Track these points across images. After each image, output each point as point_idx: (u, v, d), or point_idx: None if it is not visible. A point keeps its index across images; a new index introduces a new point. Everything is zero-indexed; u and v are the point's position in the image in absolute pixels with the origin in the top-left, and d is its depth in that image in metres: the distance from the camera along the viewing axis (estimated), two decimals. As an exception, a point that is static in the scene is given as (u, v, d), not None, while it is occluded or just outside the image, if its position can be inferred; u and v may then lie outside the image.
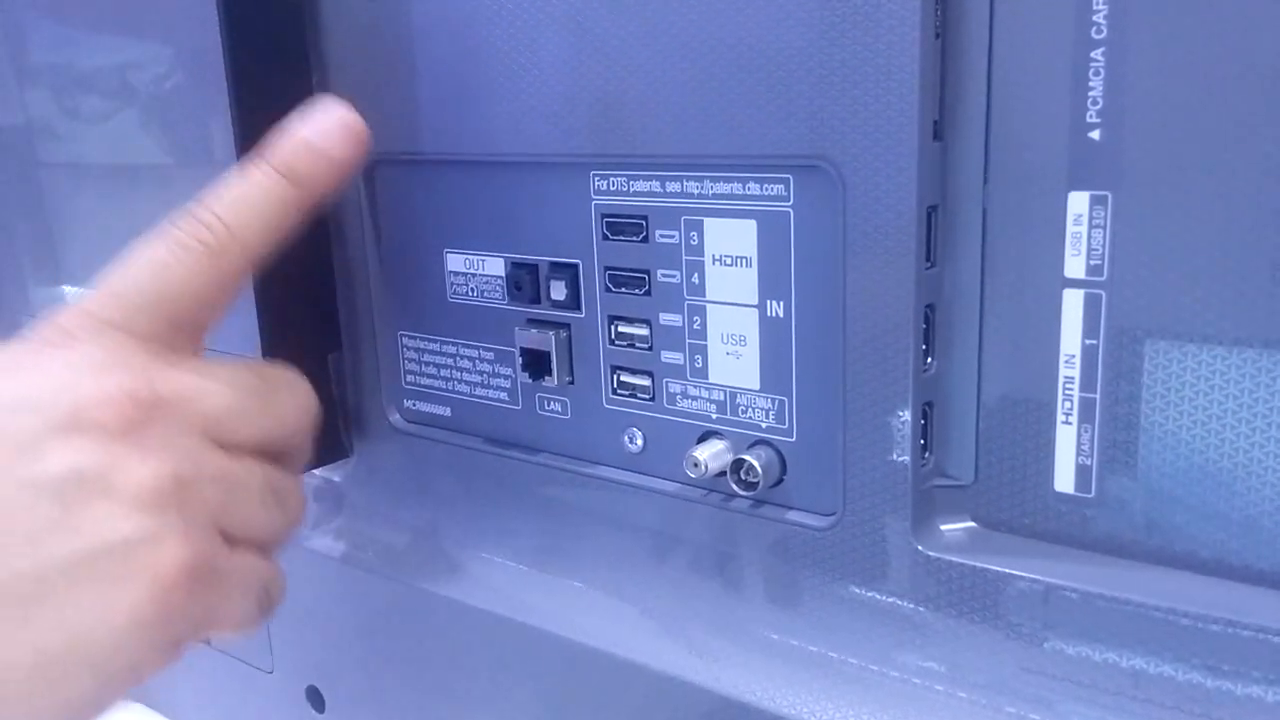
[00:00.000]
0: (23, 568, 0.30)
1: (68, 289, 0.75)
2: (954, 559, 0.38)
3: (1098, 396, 0.35)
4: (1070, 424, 0.36)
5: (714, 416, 0.43)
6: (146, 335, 0.35)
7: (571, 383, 0.47)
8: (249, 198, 0.37)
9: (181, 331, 0.36)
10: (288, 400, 0.37)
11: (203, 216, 0.36)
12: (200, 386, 0.34)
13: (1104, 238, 0.34)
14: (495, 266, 0.48)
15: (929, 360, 0.38)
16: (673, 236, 0.42)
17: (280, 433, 0.36)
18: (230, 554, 0.34)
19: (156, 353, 0.34)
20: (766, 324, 0.41)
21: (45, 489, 0.30)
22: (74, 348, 0.33)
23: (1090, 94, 0.33)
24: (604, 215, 0.44)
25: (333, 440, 0.55)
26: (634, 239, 0.43)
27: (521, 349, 0.47)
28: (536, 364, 0.47)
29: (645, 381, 0.45)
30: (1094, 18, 0.32)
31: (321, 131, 0.38)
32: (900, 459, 0.38)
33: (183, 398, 0.34)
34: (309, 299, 0.53)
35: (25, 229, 0.76)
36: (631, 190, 0.43)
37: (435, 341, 0.52)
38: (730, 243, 0.40)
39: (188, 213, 0.36)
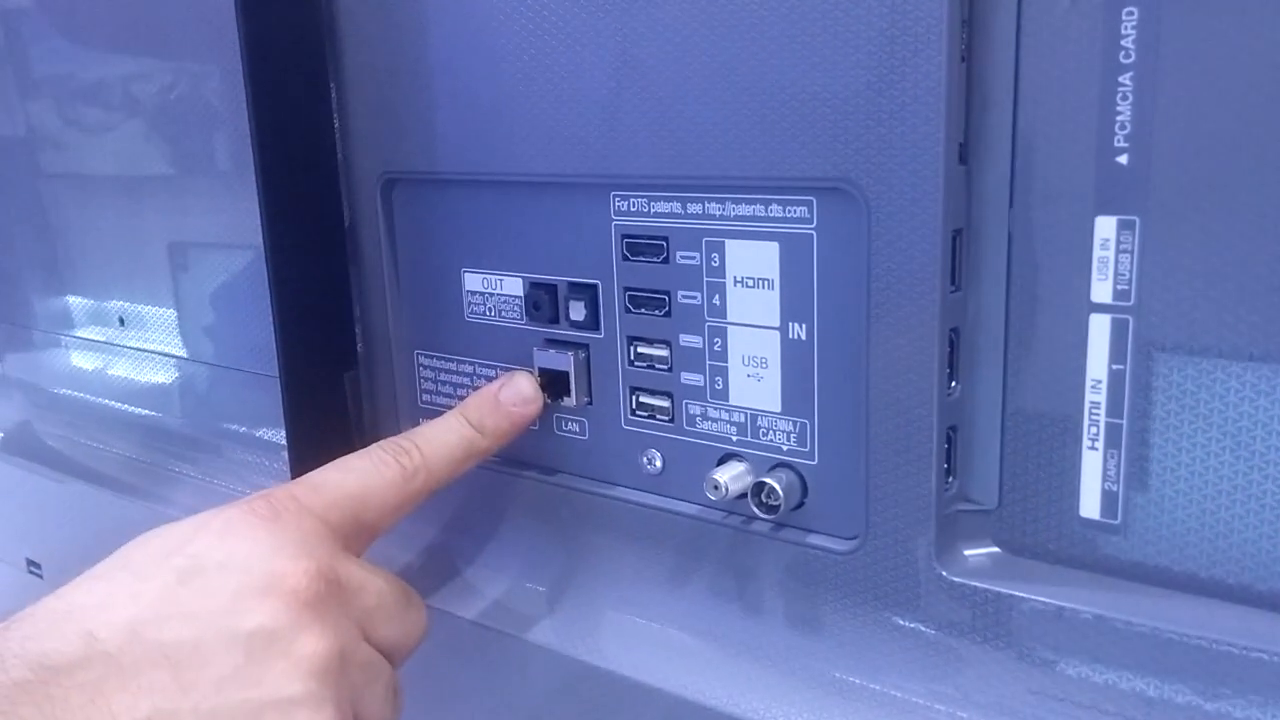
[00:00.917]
0: (204, 708, 0.33)
1: (71, 299, 0.75)
2: (977, 584, 0.38)
3: (1124, 422, 0.35)
4: (1096, 449, 0.36)
5: (734, 438, 0.43)
6: (336, 527, 0.40)
7: (590, 403, 0.47)
8: (445, 437, 0.44)
9: (362, 532, 0.41)
10: (415, 616, 0.42)
11: (405, 444, 0.43)
12: (367, 583, 0.39)
13: (1131, 262, 0.33)
14: (514, 286, 0.48)
15: (953, 384, 0.37)
16: (694, 258, 0.42)
17: (405, 640, 0.41)
18: None
19: (340, 544, 0.39)
20: (788, 346, 0.40)
21: (239, 639, 0.34)
22: (278, 523, 0.38)
23: (1118, 118, 0.32)
24: (624, 236, 0.43)
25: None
26: (654, 260, 0.43)
27: (540, 369, 0.47)
28: (555, 384, 0.47)
29: (665, 403, 0.44)
30: (1123, 42, 0.32)
31: (509, 396, 0.46)
32: (925, 483, 0.37)
33: (355, 588, 0.38)
34: (326, 317, 0.53)
35: (28, 240, 0.76)
36: (652, 211, 0.42)
37: (452, 361, 0.51)
38: (752, 264, 0.40)
39: (395, 439, 0.44)
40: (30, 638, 0.33)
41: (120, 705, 0.32)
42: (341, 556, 0.39)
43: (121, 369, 0.73)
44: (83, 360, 0.77)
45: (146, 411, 0.72)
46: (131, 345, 0.71)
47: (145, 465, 0.71)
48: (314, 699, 0.35)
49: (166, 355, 0.69)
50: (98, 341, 0.74)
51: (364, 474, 0.42)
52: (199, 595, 0.35)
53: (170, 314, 0.67)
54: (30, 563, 0.81)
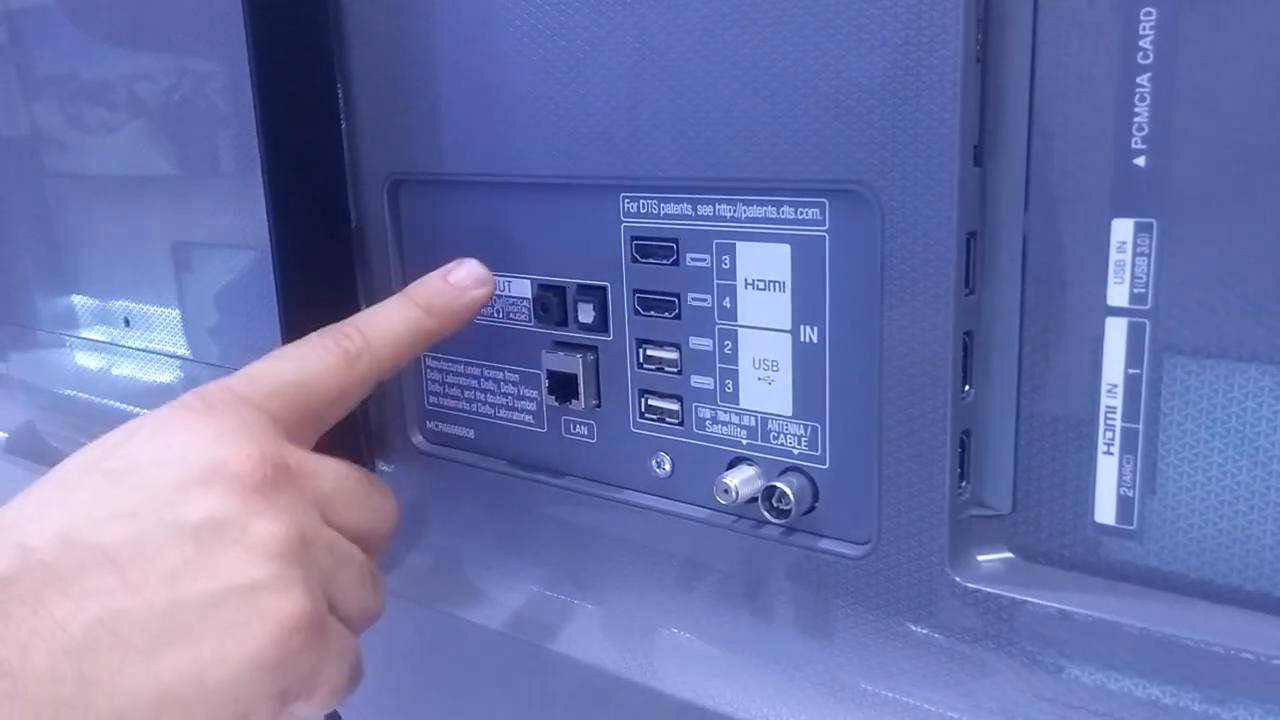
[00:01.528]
0: (157, 604, 0.31)
1: (76, 299, 0.74)
2: (991, 590, 0.37)
3: (1141, 426, 0.34)
4: (1112, 454, 0.35)
5: (745, 442, 0.42)
6: (279, 417, 0.37)
7: (598, 406, 0.46)
8: (388, 319, 0.41)
9: (307, 421, 0.39)
10: (381, 501, 0.40)
11: (346, 328, 0.41)
12: (321, 467, 0.37)
13: (1148, 265, 0.33)
14: (522, 288, 0.47)
15: (967, 388, 0.37)
16: (704, 260, 0.41)
17: (374, 526, 0.39)
18: (334, 620, 0.36)
19: (285, 434, 0.37)
20: (800, 349, 0.40)
21: (185, 531, 0.32)
22: (214, 415, 0.36)
23: (1136, 119, 0.32)
24: (634, 238, 0.43)
25: (354, 462, 0.54)
26: (664, 262, 0.43)
27: (548, 371, 0.47)
28: (563, 387, 0.46)
29: (674, 406, 0.44)
30: (1141, 42, 0.32)
31: (457, 276, 0.43)
32: (938, 488, 0.37)
33: (306, 472, 0.36)
34: (332, 317, 0.52)
35: (32, 239, 0.76)
36: (662, 213, 0.42)
37: (459, 363, 0.51)
38: (763, 267, 0.40)
39: (335, 325, 0.41)
40: None
41: (64, 612, 0.30)
42: (287, 445, 0.36)
43: (126, 370, 0.73)
44: (88, 361, 0.76)
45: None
46: (136, 346, 0.71)
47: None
48: (278, 580, 0.33)
49: (171, 356, 0.68)
50: (101, 342, 0.74)
51: (303, 361, 0.39)
52: (135, 492, 0.33)
53: (175, 315, 0.67)
54: (35, 564, 0.81)
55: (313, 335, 0.40)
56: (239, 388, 0.37)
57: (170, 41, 0.60)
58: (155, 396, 0.71)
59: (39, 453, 0.79)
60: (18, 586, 0.30)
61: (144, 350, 0.70)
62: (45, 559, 0.31)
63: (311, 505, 0.36)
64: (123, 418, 0.72)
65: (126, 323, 0.71)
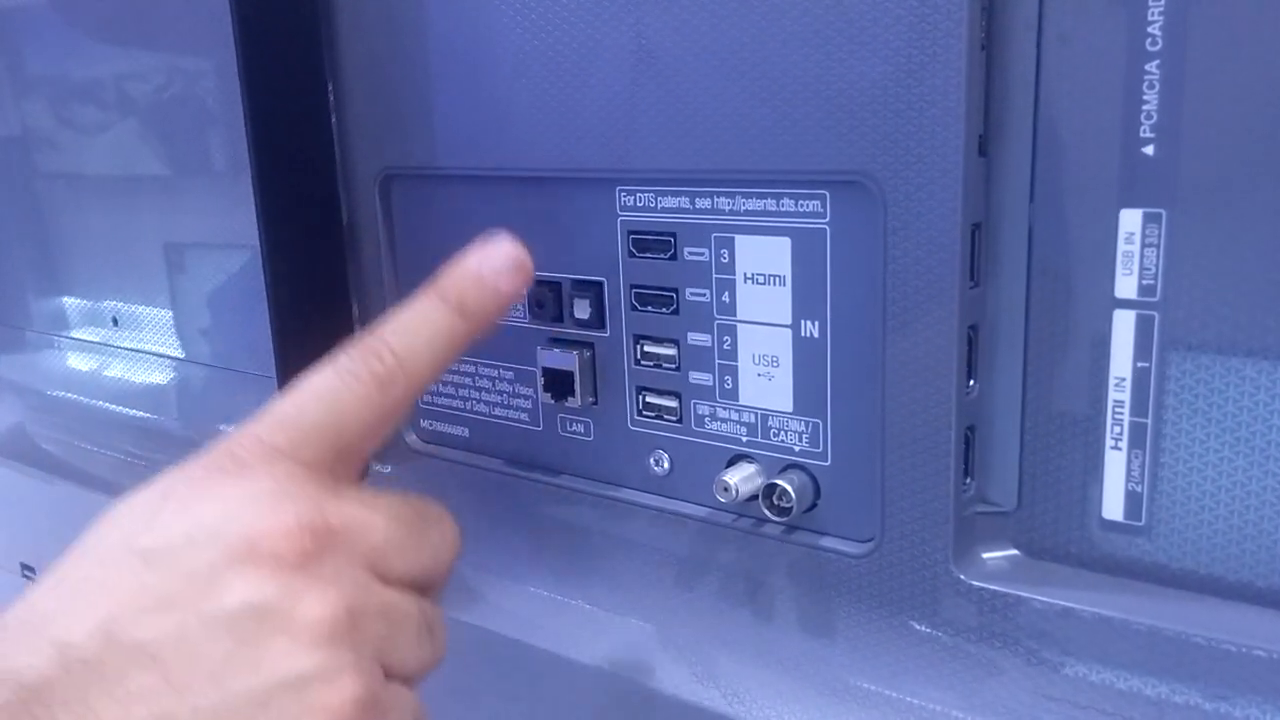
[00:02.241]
0: (203, 706, 0.30)
1: (67, 300, 0.74)
2: (996, 588, 0.37)
3: (1149, 421, 0.34)
4: (1120, 449, 0.35)
5: (744, 439, 0.42)
6: (314, 463, 0.34)
7: (595, 403, 0.46)
8: (418, 328, 0.36)
9: (346, 459, 0.36)
10: (438, 536, 0.37)
11: (374, 347, 0.36)
12: (366, 518, 0.34)
13: (1157, 257, 0.32)
14: (516, 284, 0.47)
15: (971, 383, 0.36)
16: (702, 254, 0.41)
17: (432, 567, 0.36)
18: (390, 686, 0.34)
19: (323, 481, 0.34)
20: (800, 344, 0.39)
21: (224, 623, 0.30)
22: (246, 476, 0.33)
23: (1144, 107, 0.31)
24: (630, 232, 0.42)
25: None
26: (661, 256, 0.42)
27: (543, 368, 0.46)
28: (559, 384, 0.46)
29: (672, 403, 0.43)
30: (1149, 29, 0.31)
31: (491, 266, 0.37)
32: (942, 485, 0.36)
33: (351, 529, 0.33)
34: (324, 316, 0.51)
35: (24, 240, 0.75)
36: (659, 206, 0.41)
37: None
38: (763, 261, 0.39)
39: (359, 342, 0.36)
40: (2, 655, 0.29)
41: (108, 713, 0.29)
42: (328, 497, 0.33)
43: (116, 370, 0.72)
44: (77, 361, 0.75)
45: (142, 413, 0.71)
46: (126, 346, 0.70)
47: (141, 467, 0.70)
48: (327, 669, 0.31)
49: (161, 356, 0.68)
50: (91, 342, 0.73)
51: (333, 396, 0.35)
52: (171, 578, 0.31)
53: (165, 314, 0.66)
54: (25, 567, 0.80)
55: (340, 358, 0.36)
56: (269, 436, 0.34)
57: (158, 39, 0.59)
58: (145, 397, 0.70)
59: (29, 455, 0.78)
60: (61, 692, 0.29)
61: (133, 350, 0.70)
62: (87, 658, 0.29)
63: (360, 567, 0.33)
64: (113, 418, 0.72)
65: (115, 322, 0.70)
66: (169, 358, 0.67)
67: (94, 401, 0.75)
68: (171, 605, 0.30)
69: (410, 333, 0.36)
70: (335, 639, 0.31)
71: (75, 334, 0.74)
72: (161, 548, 0.31)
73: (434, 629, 0.36)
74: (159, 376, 0.69)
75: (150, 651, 0.30)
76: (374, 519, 0.34)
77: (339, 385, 0.35)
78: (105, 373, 0.73)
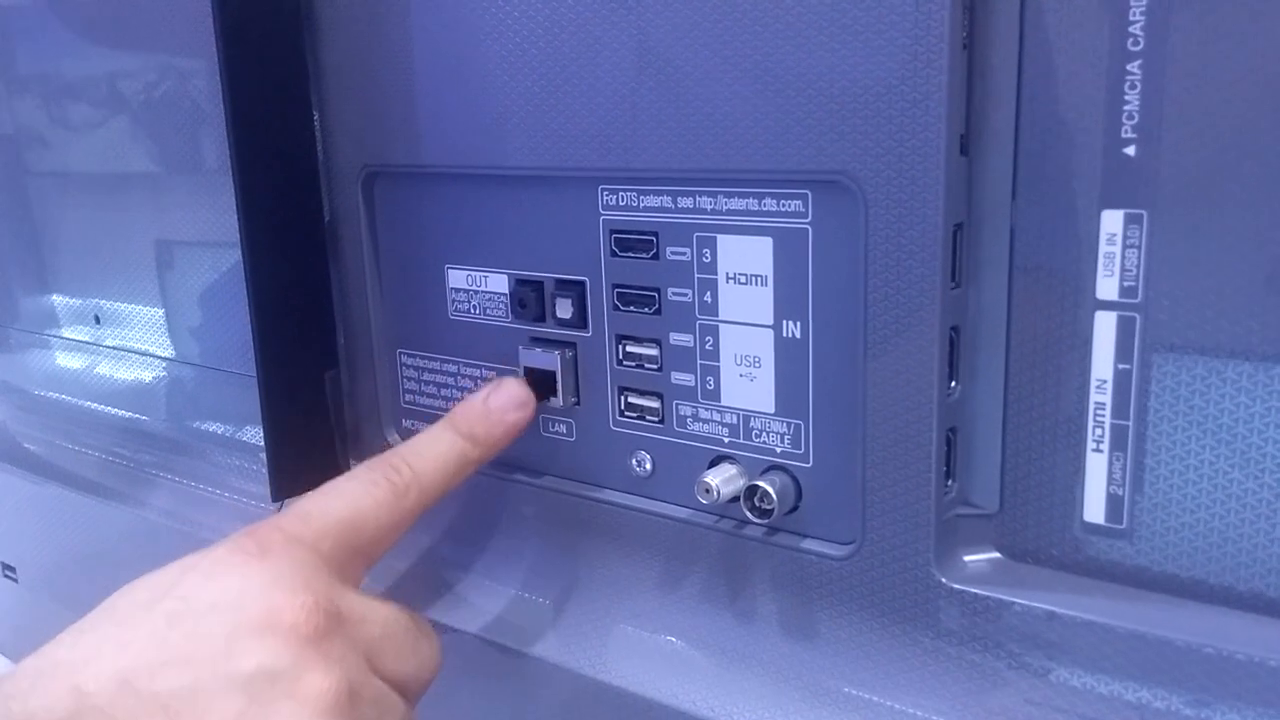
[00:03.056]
0: None
1: (56, 299, 0.73)
2: (978, 591, 0.36)
3: (1130, 423, 0.34)
4: (1101, 451, 0.34)
5: (726, 440, 0.41)
6: (329, 557, 0.38)
7: (577, 404, 0.45)
8: (434, 450, 0.42)
9: (357, 557, 0.39)
10: (427, 647, 0.40)
11: (394, 461, 0.41)
12: (371, 613, 0.37)
13: (1139, 258, 0.32)
14: (499, 283, 0.46)
15: (953, 384, 0.36)
16: (684, 254, 0.40)
17: (417, 672, 0.39)
18: None
19: (336, 575, 0.37)
20: (782, 345, 0.39)
21: (238, 683, 0.33)
22: (268, 559, 0.36)
23: (1126, 108, 0.31)
24: (612, 231, 0.42)
25: (329, 461, 0.53)
26: (643, 256, 0.42)
27: (526, 368, 0.46)
28: (541, 384, 0.45)
29: (654, 403, 0.43)
30: (1131, 29, 0.31)
31: (498, 404, 0.43)
32: (924, 487, 0.36)
33: (358, 619, 0.37)
34: (306, 315, 0.51)
35: (13, 238, 0.74)
36: (641, 206, 0.41)
37: (435, 360, 0.50)
38: (745, 261, 0.39)
39: (382, 457, 0.41)
40: (13, 697, 0.31)
41: None
42: (339, 587, 0.37)
43: (99, 369, 0.72)
44: (60, 360, 0.75)
45: (124, 412, 0.71)
46: (109, 345, 0.70)
47: (123, 467, 0.69)
48: None
49: (144, 354, 0.67)
50: (75, 340, 0.72)
51: (354, 497, 0.40)
52: (191, 639, 0.33)
53: (147, 313, 0.66)
54: (5, 566, 0.80)
55: (361, 468, 0.41)
56: (291, 528, 0.38)
57: (140, 36, 0.59)
58: (128, 396, 0.70)
59: (9, 454, 0.77)
60: None
61: (116, 349, 0.69)
62: (101, 704, 0.31)
63: (360, 654, 0.36)
64: (96, 417, 0.71)
65: (97, 320, 0.69)
66: (151, 356, 0.67)
67: (76, 400, 0.74)
68: (189, 663, 0.33)
69: (425, 452, 0.42)
70: (335, 712, 0.34)
71: (57, 332, 0.74)
72: (184, 611, 0.34)
73: None
74: (141, 375, 0.68)
75: (163, 702, 0.32)
76: (377, 614, 0.38)
77: (360, 490, 0.40)
78: (88, 371, 0.73)
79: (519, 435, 0.44)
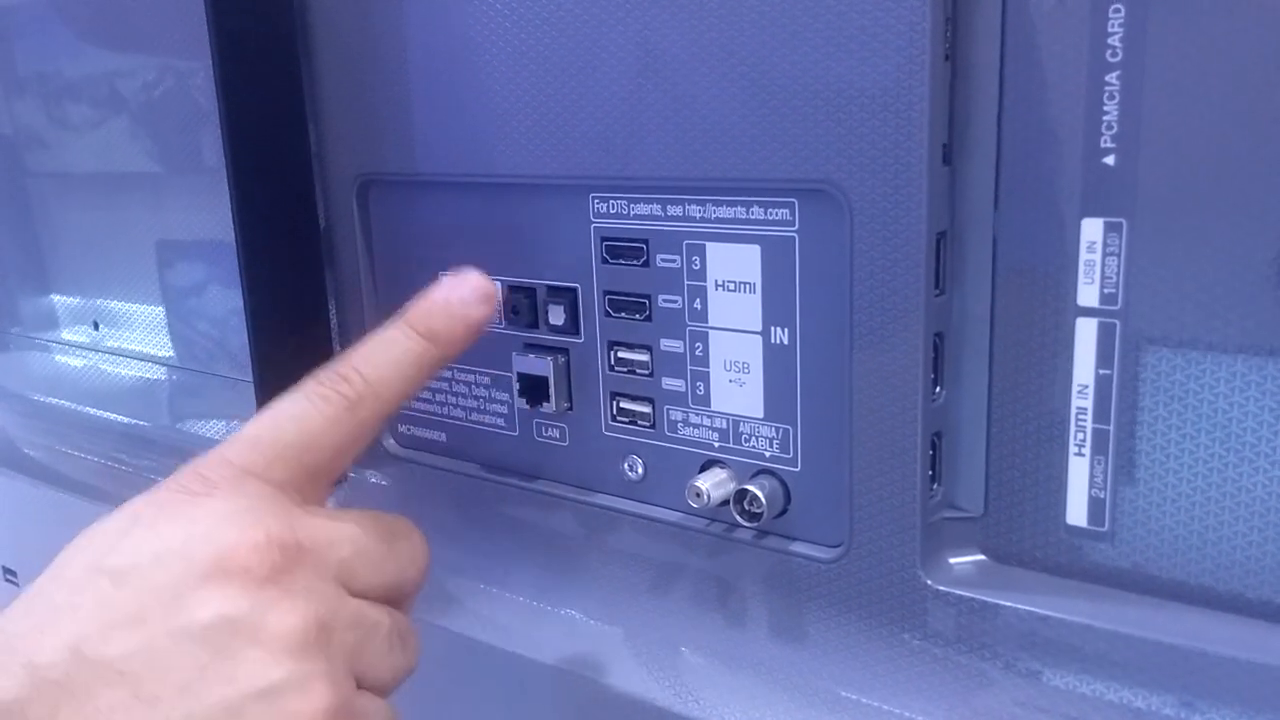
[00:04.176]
0: (176, 717, 0.30)
1: (55, 298, 0.74)
2: (963, 593, 0.37)
3: (1111, 427, 0.34)
4: (1083, 455, 0.35)
5: (716, 445, 0.42)
6: (284, 483, 0.35)
7: (570, 409, 0.46)
8: (388, 354, 0.38)
9: (316, 479, 0.37)
10: (405, 548, 0.37)
11: (343, 370, 0.37)
12: (335, 534, 0.35)
13: (1118, 265, 0.33)
14: (492, 290, 0.47)
15: (938, 390, 0.37)
16: (674, 261, 0.41)
17: (401, 579, 0.37)
18: (362, 695, 0.35)
19: (293, 500, 0.35)
20: (771, 351, 0.40)
21: (195, 637, 0.31)
22: (215, 496, 0.34)
23: (1105, 118, 0.32)
24: (604, 239, 0.43)
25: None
26: (634, 263, 0.42)
27: (519, 374, 0.46)
28: (534, 389, 0.46)
29: (646, 408, 0.44)
30: (1109, 41, 0.31)
31: (458, 295, 0.39)
32: (909, 490, 0.37)
33: (321, 544, 0.34)
34: (302, 321, 0.52)
35: (11, 238, 0.75)
36: (632, 213, 0.42)
37: (430, 365, 0.51)
38: (733, 268, 0.40)
39: (329, 367, 0.37)
40: None
41: None
42: (297, 514, 0.34)
43: (97, 373, 0.72)
44: (58, 364, 0.75)
45: (122, 417, 0.71)
46: (107, 350, 0.70)
47: (122, 471, 0.70)
48: (300, 678, 0.31)
49: (142, 359, 0.68)
50: (73, 344, 0.73)
51: (302, 417, 0.36)
52: (139, 595, 0.31)
53: (145, 317, 0.66)
54: (6, 570, 0.80)
55: (309, 382, 0.37)
56: (238, 458, 0.35)
57: (137, 41, 0.59)
58: (126, 400, 0.70)
59: (9, 458, 0.78)
60: (32, 711, 0.29)
61: (114, 353, 0.70)
62: (56, 677, 0.30)
63: (330, 580, 0.34)
64: (94, 421, 0.72)
65: (96, 326, 0.70)
66: (149, 361, 0.67)
67: (74, 405, 0.75)
68: (141, 622, 0.31)
69: (378, 357, 0.38)
70: (307, 649, 0.32)
71: (57, 336, 0.74)
72: (129, 567, 0.32)
73: (405, 639, 0.37)
74: (139, 380, 0.69)
75: (119, 668, 0.30)
76: (342, 534, 0.35)
77: (308, 407, 0.36)
78: (86, 375, 0.73)
79: (480, 332, 0.40)
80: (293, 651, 0.31)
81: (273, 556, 0.32)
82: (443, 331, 0.38)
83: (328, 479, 0.38)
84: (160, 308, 0.65)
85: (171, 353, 0.66)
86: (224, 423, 0.64)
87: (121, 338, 0.69)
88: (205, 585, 0.31)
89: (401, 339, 0.38)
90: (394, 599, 0.37)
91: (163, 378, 0.67)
